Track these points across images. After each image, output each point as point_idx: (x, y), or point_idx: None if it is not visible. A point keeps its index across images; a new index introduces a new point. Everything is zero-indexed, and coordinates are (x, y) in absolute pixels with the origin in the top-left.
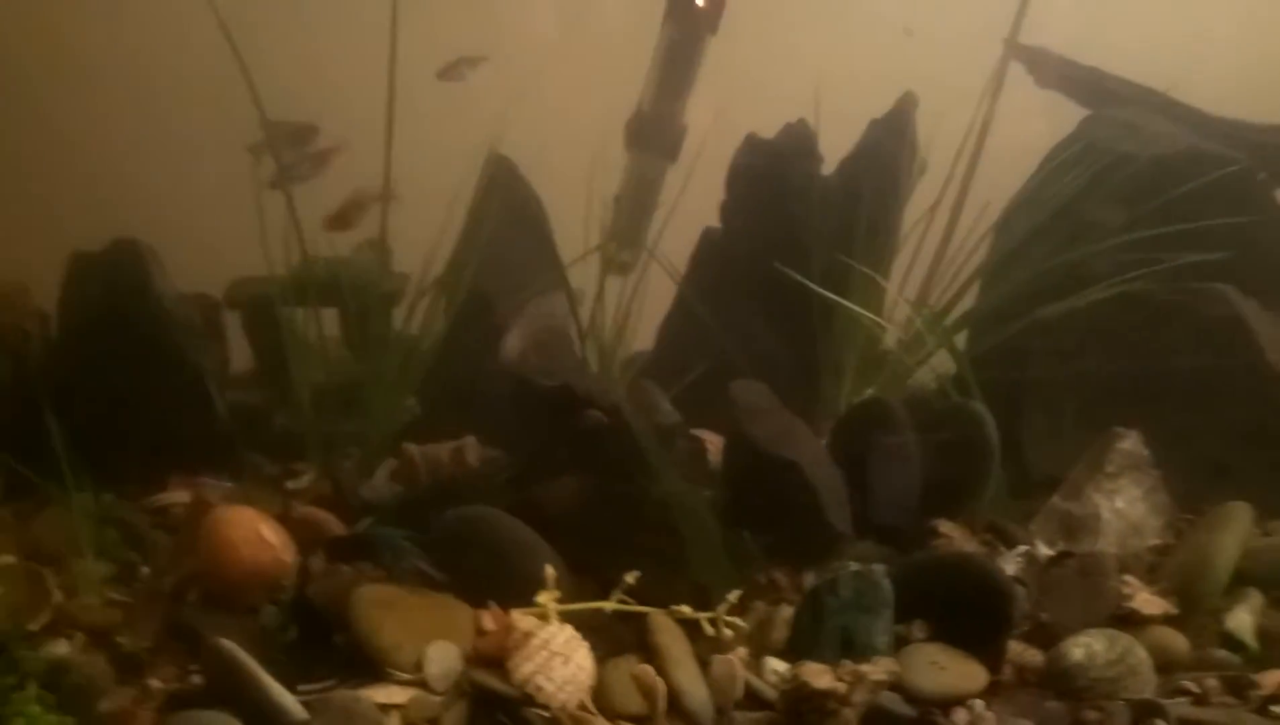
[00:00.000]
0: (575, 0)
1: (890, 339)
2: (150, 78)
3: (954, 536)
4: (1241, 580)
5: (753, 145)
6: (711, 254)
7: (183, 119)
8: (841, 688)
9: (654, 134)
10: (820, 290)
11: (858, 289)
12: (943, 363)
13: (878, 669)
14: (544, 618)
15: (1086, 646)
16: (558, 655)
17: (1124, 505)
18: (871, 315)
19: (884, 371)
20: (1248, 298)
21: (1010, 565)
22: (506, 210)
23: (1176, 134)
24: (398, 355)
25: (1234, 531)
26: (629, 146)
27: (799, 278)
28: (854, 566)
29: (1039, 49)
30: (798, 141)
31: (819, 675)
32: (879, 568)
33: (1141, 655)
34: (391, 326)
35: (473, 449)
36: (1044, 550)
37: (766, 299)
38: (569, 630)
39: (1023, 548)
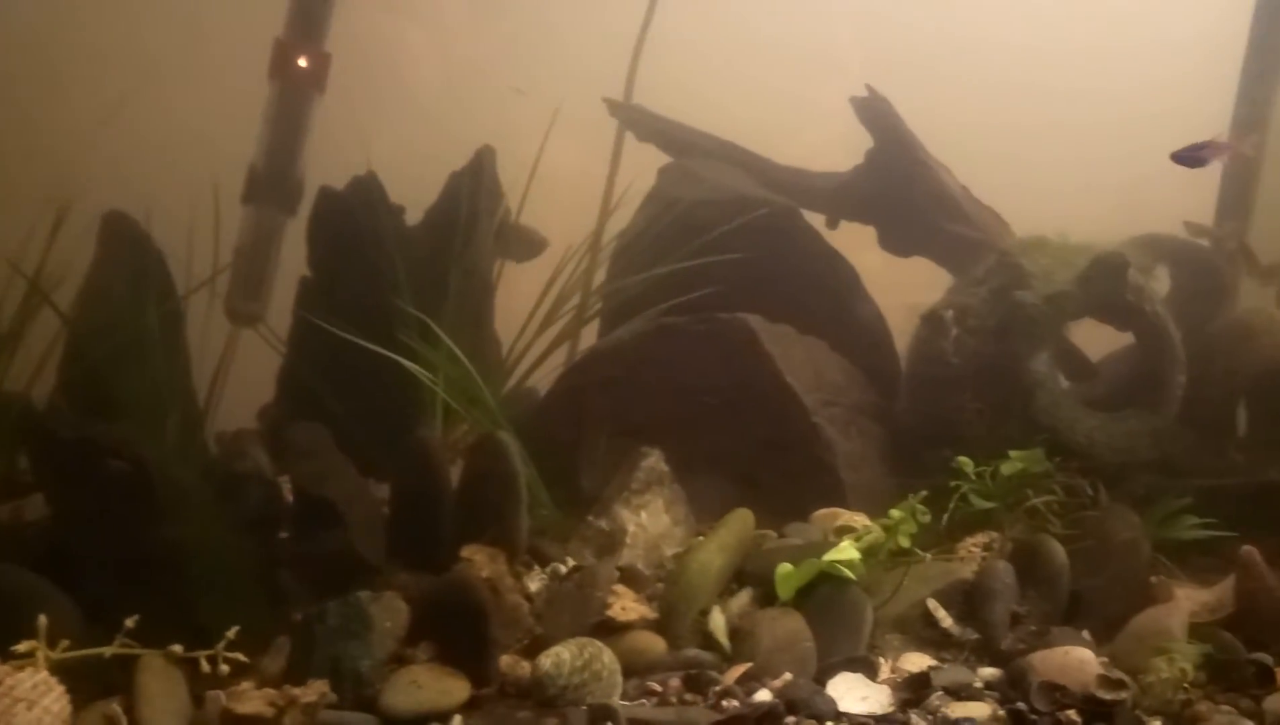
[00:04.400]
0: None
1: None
2: None
3: (476, 560)
4: (743, 581)
5: (326, 197)
6: (306, 303)
7: None
8: (269, 712)
9: (269, 189)
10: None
11: (448, 330)
12: None
13: (310, 692)
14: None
15: (556, 656)
16: (21, 701)
17: (648, 519)
18: (416, 366)
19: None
20: (778, 323)
21: (534, 584)
22: (125, 268)
23: (734, 181)
24: None
25: (723, 537)
26: (245, 201)
27: (387, 320)
28: (366, 595)
29: (635, 107)
30: (367, 193)
31: (246, 701)
32: (364, 595)
33: (607, 660)
34: None
35: None
36: (563, 568)
37: (357, 344)
38: (40, 676)
39: (555, 566)
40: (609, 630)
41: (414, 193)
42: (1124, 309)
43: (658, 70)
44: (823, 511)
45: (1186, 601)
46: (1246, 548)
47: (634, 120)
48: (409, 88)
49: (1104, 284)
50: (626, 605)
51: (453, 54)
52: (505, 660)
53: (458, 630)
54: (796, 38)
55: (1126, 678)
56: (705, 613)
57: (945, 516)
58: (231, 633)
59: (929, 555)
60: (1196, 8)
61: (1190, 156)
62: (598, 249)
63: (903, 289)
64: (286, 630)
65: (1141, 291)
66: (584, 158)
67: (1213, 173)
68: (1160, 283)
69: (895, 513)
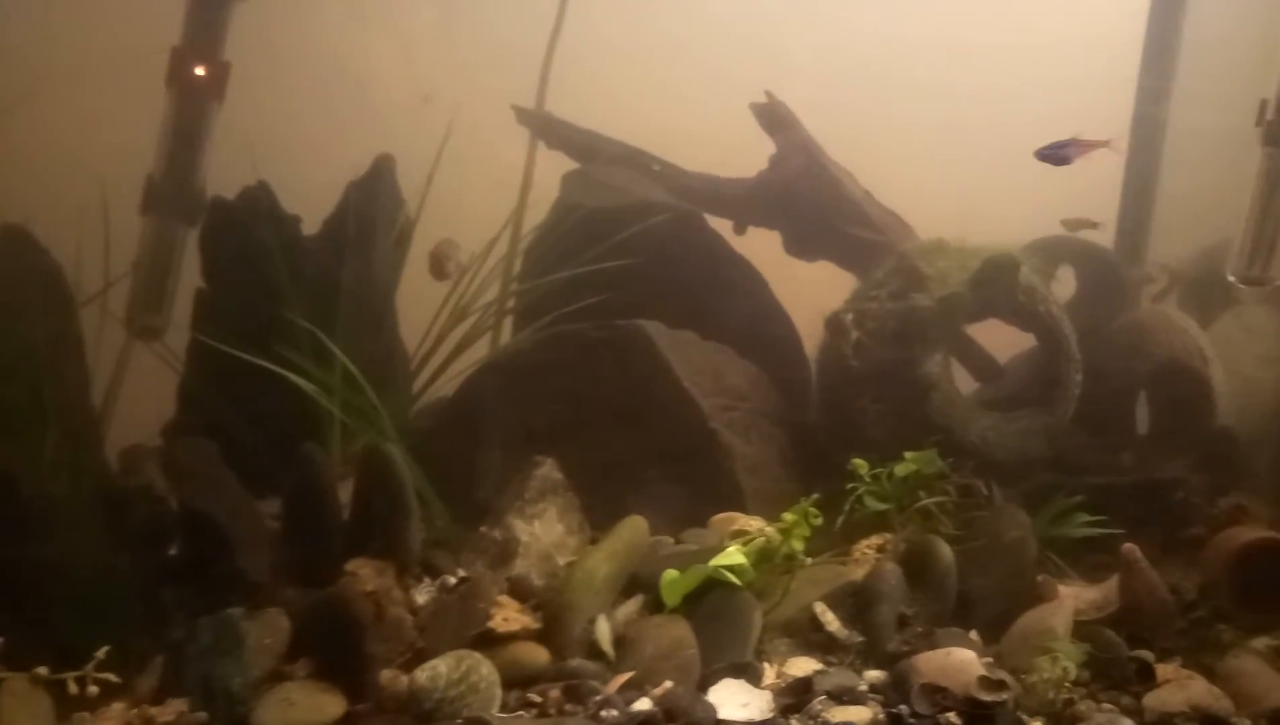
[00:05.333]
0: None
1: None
2: None
3: (362, 574)
4: (636, 588)
5: (217, 208)
6: (202, 315)
7: None
8: None
9: (169, 199)
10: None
11: (346, 341)
12: None
13: (167, 711)
14: None
15: (433, 669)
16: None
17: (541, 529)
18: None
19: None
20: (682, 329)
21: (423, 596)
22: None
23: (638, 187)
24: None
25: (612, 545)
26: (144, 212)
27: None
28: (238, 612)
29: (544, 114)
30: (257, 204)
31: (103, 722)
32: (236, 612)
33: (485, 673)
34: None
35: None
36: (453, 580)
37: (256, 355)
38: None
39: (445, 578)
40: (491, 642)
41: (326, 202)
42: (1019, 310)
43: (573, 77)
44: (720, 516)
45: (1072, 600)
46: (1128, 545)
47: (542, 127)
48: (316, 96)
49: (995, 285)
50: (509, 616)
51: (362, 61)
52: (386, 674)
53: (336, 645)
54: (704, 41)
55: (1008, 678)
56: (593, 622)
57: (840, 519)
58: (101, 653)
59: (809, 560)
60: (1095, 10)
61: (1053, 154)
62: (514, 256)
63: (824, 293)
64: (165, 649)
65: (1034, 292)
66: (498, 166)
67: (1115, 172)
68: (1066, 285)
69: (788, 516)
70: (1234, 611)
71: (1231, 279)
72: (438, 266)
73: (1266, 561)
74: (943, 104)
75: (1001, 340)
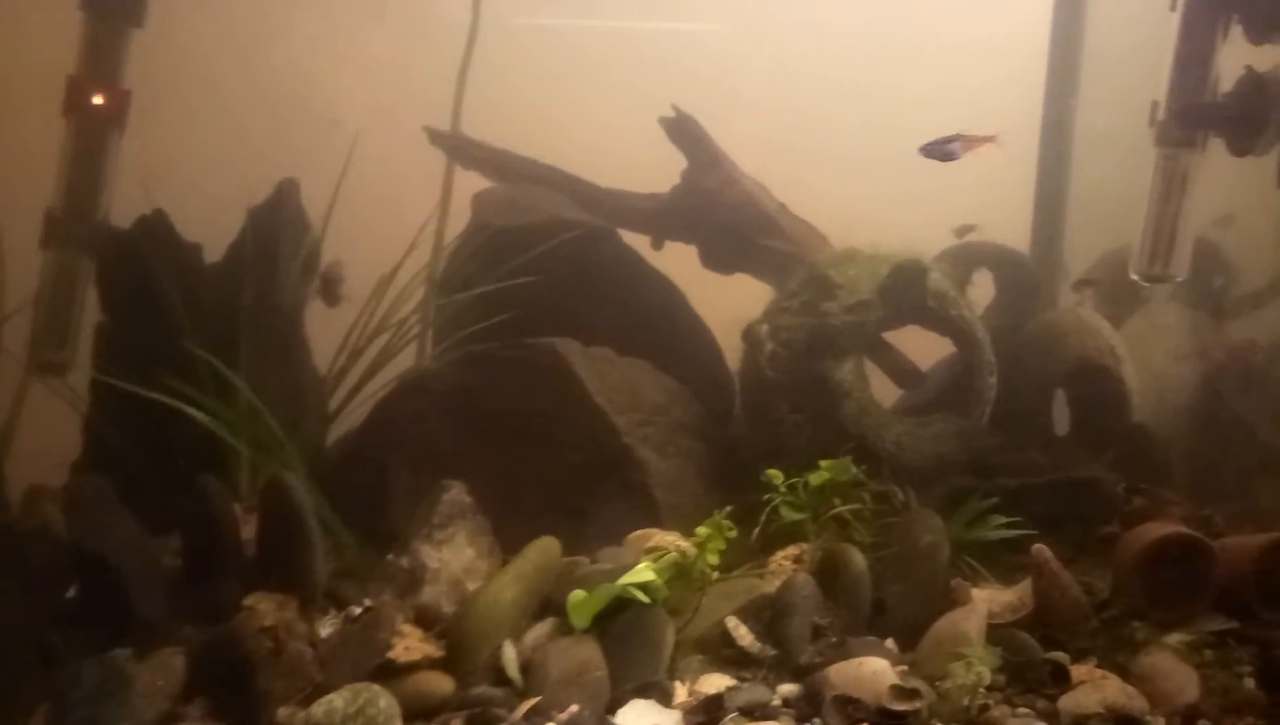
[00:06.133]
0: None
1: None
2: None
3: (259, 609)
4: (550, 611)
5: (112, 238)
6: (104, 348)
7: None
8: None
9: (69, 231)
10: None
11: (251, 369)
12: None
13: None
14: None
15: (328, 704)
16: None
17: (450, 554)
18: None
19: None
20: (598, 346)
21: (327, 629)
22: None
23: (551, 205)
24: None
25: (520, 567)
26: (44, 246)
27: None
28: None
29: (456, 135)
30: (154, 233)
31: None
32: (122, 654)
33: (383, 705)
34: None
35: None
36: (358, 610)
37: (158, 389)
38: None
39: (350, 609)
40: (393, 673)
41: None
42: (931, 315)
43: (490, 97)
44: (637, 534)
45: (985, 603)
46: (1037, 546)
47: (456, 148)
48: (222, 123)
49: (904, 292)
50: (411, 645)
51: (270, 86)
52: (283, 711)
53: (229, 684)
54: (619, 57)
55: (922, 686)
56: (500, 647)
57: (756, 531)
58: None
59: (715, 574)
60: (1001, 13)
61: (939, 150)
62: (433, 276)
63: (749, 306)
64: (49, 696)
65: (945, 297)
66: (415, 188)
67: (1028, 177)
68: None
69: (702, 530)
70: (1146, 609)
71: (1135, 277)
72: (327, 290)
73: (1176, 557)
74: (857, 110)
75: (933, 348)
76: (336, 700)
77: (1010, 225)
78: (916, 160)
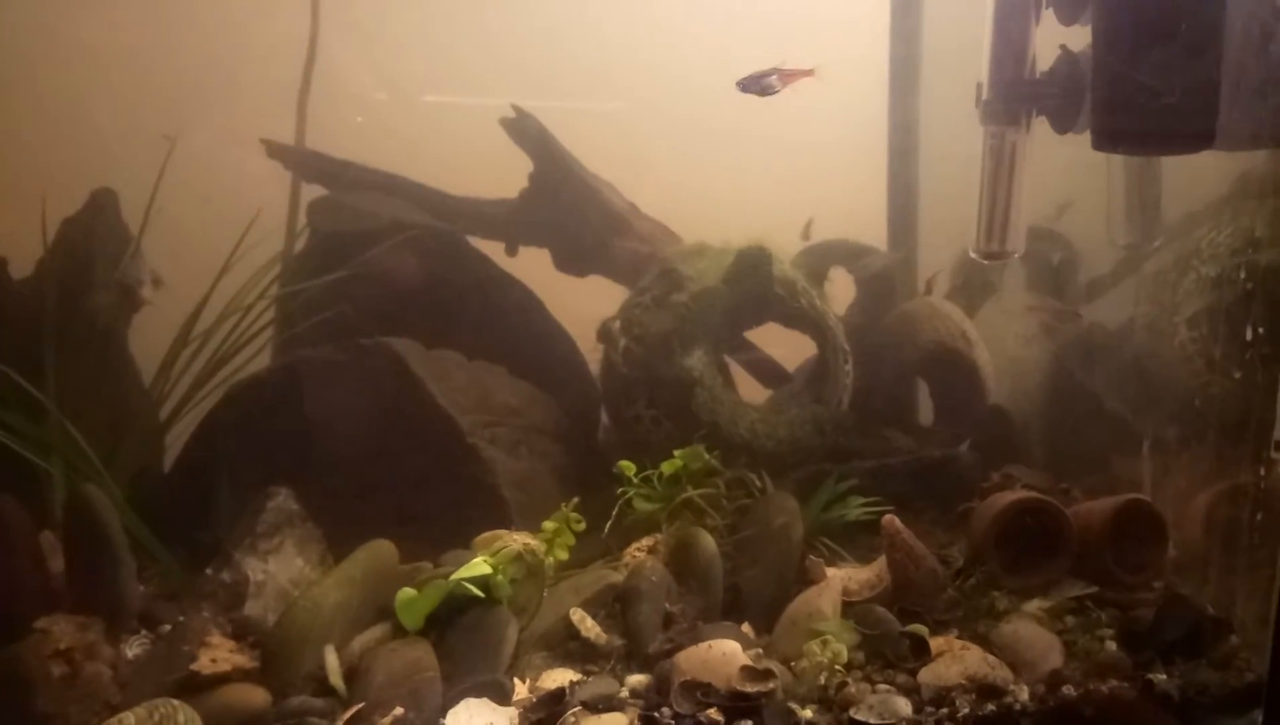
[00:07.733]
0: None
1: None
2: None
3: (54, 631)
4: (386, 616)
5: None
6: None
7: None
8: None
9: None
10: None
11: (66, 385)
12: None
13: None
14: None
15: (119, 722)
16: None
17: (277, 565)
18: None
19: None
20: (445, 349)
21: (135, 650)
22: None
23: (391, 210)
24: None
25: (345, 571)
26: None
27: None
28: None
29: (295, 148)
30: None
31: None
32: None
33: (183, 720)
34: None
35: None
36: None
37: None
38: None
39: (162, 628)
40: (199, 687)
41: None
42: (779, 304)
43: (334, 109)
44: (485, 535)
45: (840, 580)
46: (888, 517)
47: (296, 161)
48: (44, 133)
49: (750, 279)
50: (218, 657)
51: (102, 99)
52: None
53: (10, 709)
54: (468, 59)
55: (776, 667)
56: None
57: (609, 524)
58: None
59: (551, 565)
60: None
61: (756, 84)
62: (274, 285)
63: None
64: None
65: (793, 286)
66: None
67: (879, 191)
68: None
69: (549, 524)
70: (1002, 576)
71: (974, 256)
72: (126, 295)
73: (1029, 523)
74: (705, 110)
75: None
76: (129, 718)
77: (868, 225)
78: (767, 163)
